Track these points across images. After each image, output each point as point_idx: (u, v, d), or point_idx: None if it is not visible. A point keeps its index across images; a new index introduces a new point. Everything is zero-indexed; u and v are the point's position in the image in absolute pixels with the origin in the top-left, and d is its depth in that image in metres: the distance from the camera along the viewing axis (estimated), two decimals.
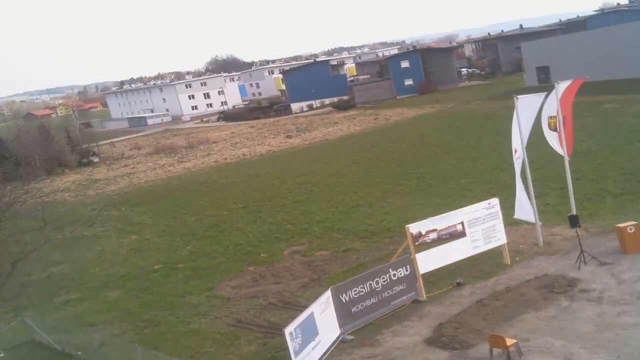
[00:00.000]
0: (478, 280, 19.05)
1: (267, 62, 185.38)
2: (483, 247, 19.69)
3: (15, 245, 19.50)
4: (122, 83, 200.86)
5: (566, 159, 20.64)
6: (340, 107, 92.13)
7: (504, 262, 19.93)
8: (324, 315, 16.12)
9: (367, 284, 17.61)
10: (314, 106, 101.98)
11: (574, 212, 20.29)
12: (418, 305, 18.13)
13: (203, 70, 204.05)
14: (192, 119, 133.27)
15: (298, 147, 60.44)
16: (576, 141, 35.64)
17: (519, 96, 20.76)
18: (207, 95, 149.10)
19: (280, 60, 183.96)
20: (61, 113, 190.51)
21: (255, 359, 16.83)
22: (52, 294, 26.17)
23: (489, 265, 19.95)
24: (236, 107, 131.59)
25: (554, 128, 20.66)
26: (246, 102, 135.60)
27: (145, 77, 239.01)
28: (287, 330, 14.55)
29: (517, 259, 20.13)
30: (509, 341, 13.76)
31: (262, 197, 38.47)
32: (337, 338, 16.61)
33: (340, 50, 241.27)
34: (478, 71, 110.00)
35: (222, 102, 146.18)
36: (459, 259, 19.39)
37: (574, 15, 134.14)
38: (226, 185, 45.24)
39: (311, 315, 15.55)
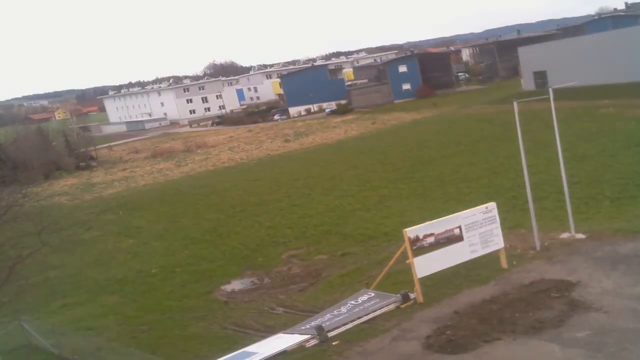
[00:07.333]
0: (476, 285, 19.06)
1: (265, 66, 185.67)
2: (480, 252, 19.68)
3: (12, 249, 19.51)
4: (120, 87, 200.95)
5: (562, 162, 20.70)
6: (338, 111, 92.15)
7: (501, 267, 19.94)
8: None
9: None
10: (312, 110, 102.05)
11: (570, 215, 20.27)
12: (416, 309, 18.14)
13: (201, 75, 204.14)
14: (190, 123, 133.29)
15: (296, 152, 60.45)
16: (573, 145, 36.08)
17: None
18: (205, 100, 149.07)
19: (278, 64, 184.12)
20: (59, 117, 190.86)
21: None
22: (49, 297, 26.13)
23: (487, 270, 19.95)
24: (234, 111, 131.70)
25: None
26: (244, 106, 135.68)
27: (143, 81, 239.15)
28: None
29: (514, 263, 20.14)
30: None
31: (260, 201, 38.47)
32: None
33: (338, 54, 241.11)
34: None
35: (220, 107, 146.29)
36: (457, 263, 19.40)
37: (571, 21, 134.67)
38: (224, 189, 45.23)
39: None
